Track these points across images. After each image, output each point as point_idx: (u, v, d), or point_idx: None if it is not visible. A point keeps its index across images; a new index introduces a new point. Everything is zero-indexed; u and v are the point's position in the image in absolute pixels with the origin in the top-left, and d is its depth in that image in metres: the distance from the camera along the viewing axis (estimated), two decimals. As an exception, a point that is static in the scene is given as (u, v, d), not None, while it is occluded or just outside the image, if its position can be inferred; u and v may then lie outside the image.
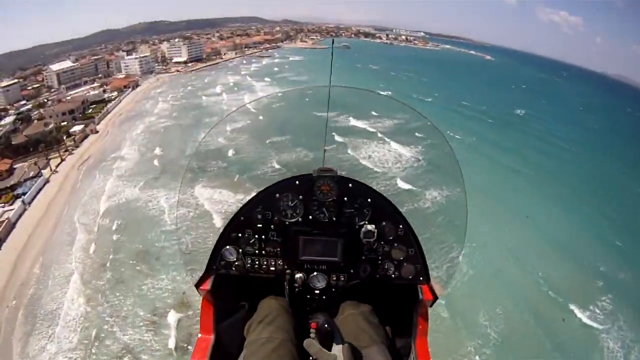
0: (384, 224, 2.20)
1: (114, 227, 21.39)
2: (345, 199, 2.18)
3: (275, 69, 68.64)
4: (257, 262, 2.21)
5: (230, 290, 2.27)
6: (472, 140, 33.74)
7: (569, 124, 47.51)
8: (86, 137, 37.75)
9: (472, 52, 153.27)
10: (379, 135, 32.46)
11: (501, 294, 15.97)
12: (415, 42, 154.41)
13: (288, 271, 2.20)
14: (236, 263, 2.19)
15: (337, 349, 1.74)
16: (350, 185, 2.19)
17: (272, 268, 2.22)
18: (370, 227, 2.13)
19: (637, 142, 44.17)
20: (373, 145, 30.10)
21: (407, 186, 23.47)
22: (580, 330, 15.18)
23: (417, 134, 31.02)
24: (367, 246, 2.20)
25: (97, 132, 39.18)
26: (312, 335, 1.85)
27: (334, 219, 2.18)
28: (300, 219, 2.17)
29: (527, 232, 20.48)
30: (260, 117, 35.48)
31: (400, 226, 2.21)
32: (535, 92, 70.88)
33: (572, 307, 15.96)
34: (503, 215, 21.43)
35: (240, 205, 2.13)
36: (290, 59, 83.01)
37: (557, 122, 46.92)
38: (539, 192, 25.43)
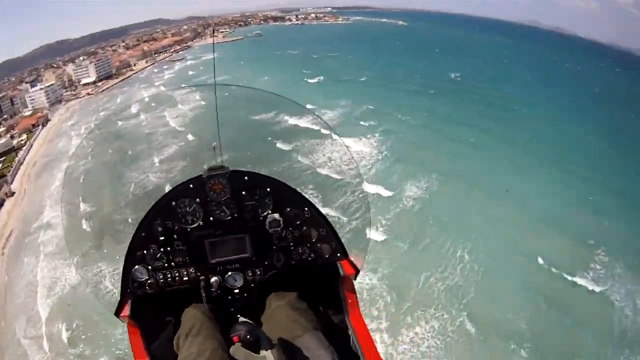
0: (288, 210, 2.21)
1: (65, 339, 15.60)
2: (244, 192, 2.17)
3: (191, 72, 62.30)
4: (169, 276, 2.14)
5: (151, 309, 2.19)
6: (424, 117, 32.29)
7: (506, 80, 48.35)
8: (1, 203, 30.87)
9: (384, 19, 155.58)
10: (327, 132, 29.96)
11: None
12: (326, 18, 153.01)
13: (202, 277, 2.15)
14: (149, 282, 2.10)
15: (266, 353, 1.68)
16: (246, 177, 2.19)
17: (186, 278, 2.15)
18: (275, 215, 2.15)
19: (571, 86, 46.63)
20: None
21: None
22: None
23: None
24: (275, 235, 2.20)
25: (12, 194, 32.47)
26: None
27: (236, 215, 2.16)
28: (201, 223, 2.14)
29: (513, 206, 19.49)
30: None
31: (306, 209, 2.23)
32: (460, 51, 72.37)
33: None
34: (483, 196, 20.33)
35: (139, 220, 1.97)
36: (204, 58, 76.16)
37: (493, 82, 47.50)
38: (509, 162, 24.39)
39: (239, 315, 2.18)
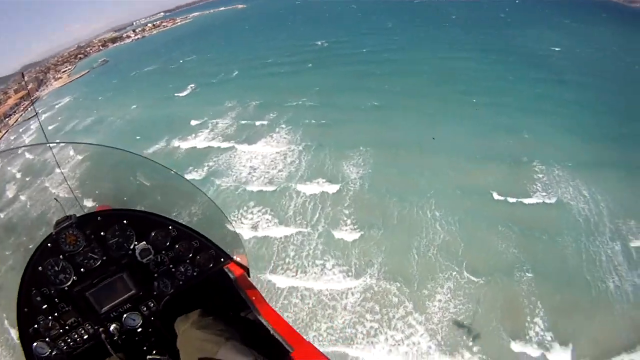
0: (153, 234, 2.19)
1: None
2: (102, 233, 2.11)
3: (50, 127, 48.79)
4: (69, 340, 2.08)
5: None
6: (315, 93, 30.31)
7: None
8: None
9: (222, 7, 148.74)
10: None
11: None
12: (164, 24, 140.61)
13: (100, 330, 2.10)
14: (53, 353, 2.06)
15: None
16: (98, 218, 2.11)
17: (86, 336, 2.11)
18: (142, 244, 2.14)
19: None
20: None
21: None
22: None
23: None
24: (152, 263, 2.18)
25: None
26: None
27: (105, 257, 2.11)
28: (75, 278, 2.07)
29: (445, 153, 19.50)
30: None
31: (170, 227, 2.22)
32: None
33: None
34: (415, 153, 20.02)
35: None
36: (59, 105, 61.54)
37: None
38: (418, 115, 24.09)
39: (150, 356, 2.08)
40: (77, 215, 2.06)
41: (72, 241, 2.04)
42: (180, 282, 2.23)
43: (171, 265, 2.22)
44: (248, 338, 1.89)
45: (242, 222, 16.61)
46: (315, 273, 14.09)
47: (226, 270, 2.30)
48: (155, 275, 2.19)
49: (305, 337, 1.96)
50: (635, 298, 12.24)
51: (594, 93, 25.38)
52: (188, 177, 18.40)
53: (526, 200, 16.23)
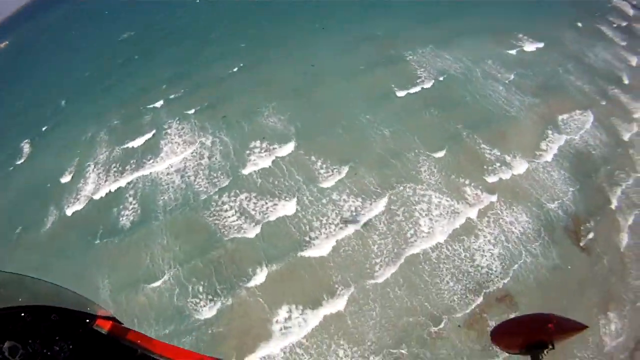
0: (10, 329, 2.02)
1: None
2: None
3: None
4: None
5: None
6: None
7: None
8: None
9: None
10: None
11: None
12: None
13: None
14: None
15: None
16: None
17: None
18: (7, 343, 1.96)
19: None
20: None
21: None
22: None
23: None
24: (26, 357, 2.00)
25: None
26: None
27: None
28: None
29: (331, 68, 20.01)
30: None
31: (22, 314, 2.07)
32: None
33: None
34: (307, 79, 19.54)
35: None
36: None
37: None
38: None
39: None
40: None
41: None
42: None
43: (45, 350, 2.07)
44: None
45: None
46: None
47: (97, 328, 2.21)
48: None
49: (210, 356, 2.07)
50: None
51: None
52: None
53: (422, 86, 18.75)
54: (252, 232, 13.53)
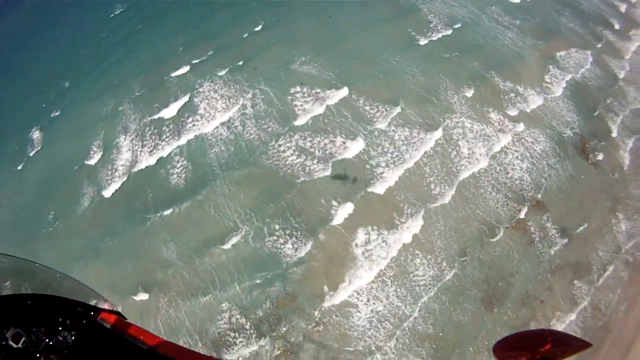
0: (16, 317, 2.13)
1: None
2: None
3: None
4: None
5: None
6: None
7: None
8: None
9: None
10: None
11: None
12: None
13: None
14: None
15: None
16: None
17: None
18: (11, 331, 2.06)
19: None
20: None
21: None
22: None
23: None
24: (29, 344, 2.09)
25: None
26: None
27: None
28: None
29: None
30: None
31: (29, 302, 2.19)
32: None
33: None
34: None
35: None
36: None
37: None
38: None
39: None
40: None
41: None
42: (65, 351, 2.14)
43: (47, 339, 2.12)
44: None
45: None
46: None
47: (100, 322, 2.26)
48: (38, 355, 2.09)
49: (211, 355, 2.22)
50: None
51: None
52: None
53: (441, 33, 20.22)
54: (317, 172, 14.77)
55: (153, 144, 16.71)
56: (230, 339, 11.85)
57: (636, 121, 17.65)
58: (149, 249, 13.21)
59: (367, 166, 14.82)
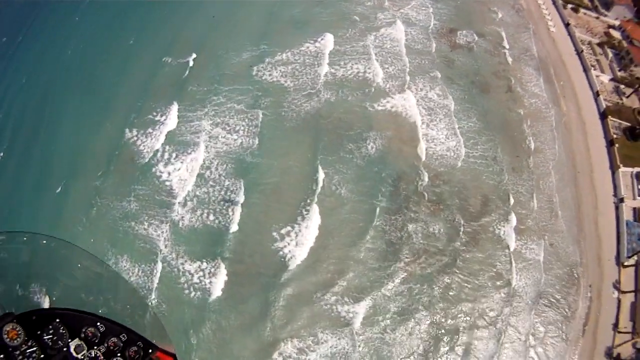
0: (84, 330, 2.42)
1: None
2: (39, 332, 2.29)
3: None
4: None
5: None
6: None
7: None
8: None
9: None
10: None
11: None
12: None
13: None
14: None
15: None
16: (33, 317, 2.31)
17: None
18: (76, 341, 2.35)
19: None
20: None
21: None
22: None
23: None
24: (87, 358, 2.39)
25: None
26: None
27: (43, 356, 2.25)
28: None
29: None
30: None
31: (98, 324, 2.48)
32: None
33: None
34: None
35: None
36: None
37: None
38: None
39: None
40: (15, 312, 2.18)
41: (13, 335, 2.10)
42: None
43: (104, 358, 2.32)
44: None
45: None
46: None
47: (155, 359, 2.48)
48: None
49: None
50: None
51: None
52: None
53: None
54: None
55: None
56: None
57: None
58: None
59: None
